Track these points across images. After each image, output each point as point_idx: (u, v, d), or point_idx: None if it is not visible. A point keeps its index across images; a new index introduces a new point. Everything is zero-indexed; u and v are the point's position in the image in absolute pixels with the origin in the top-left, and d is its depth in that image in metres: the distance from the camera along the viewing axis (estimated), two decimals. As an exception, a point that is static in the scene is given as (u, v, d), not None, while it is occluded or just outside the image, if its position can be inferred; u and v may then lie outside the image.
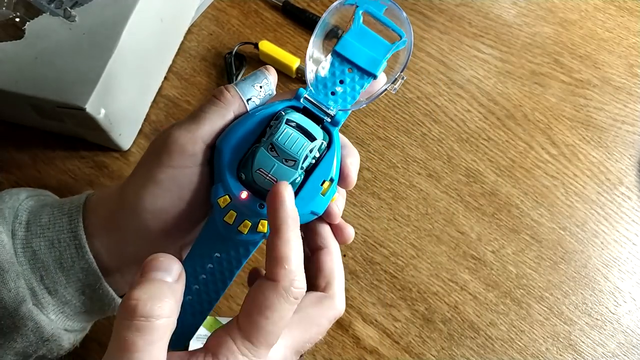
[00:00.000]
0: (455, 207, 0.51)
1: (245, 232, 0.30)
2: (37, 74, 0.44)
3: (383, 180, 0.52)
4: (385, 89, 0.32)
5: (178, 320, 0.25)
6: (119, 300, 0.33)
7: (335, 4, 0.31)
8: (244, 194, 0.29)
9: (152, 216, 0.30)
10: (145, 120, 0.53)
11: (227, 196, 0.29)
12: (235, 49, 0.56)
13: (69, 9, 0.46)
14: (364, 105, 0.32)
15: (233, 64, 0.55)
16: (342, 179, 0.32)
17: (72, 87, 0.43)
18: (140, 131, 0.52)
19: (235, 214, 0.29)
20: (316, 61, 0.31)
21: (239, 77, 0.54)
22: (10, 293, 0.30)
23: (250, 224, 0.30)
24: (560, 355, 0.46)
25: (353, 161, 0.32)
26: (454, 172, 0.52)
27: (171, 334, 0.25)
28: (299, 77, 0.55)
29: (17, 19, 0.47)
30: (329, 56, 0.31)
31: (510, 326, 0.47)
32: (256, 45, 0.55)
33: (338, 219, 0.33)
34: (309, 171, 0.30)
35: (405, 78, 0.31)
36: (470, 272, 0.49)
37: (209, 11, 0.59)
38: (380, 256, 0.49)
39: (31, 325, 0.31)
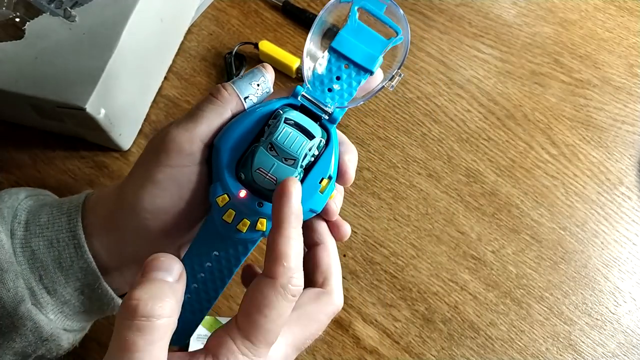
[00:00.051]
0: (455, 207, 0.51)
1: (244, 231, 0.30)
2: (37, 74, 0.44)
3: (383, 180, 0.52)
4: (383, 86, 0.32)
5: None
6: (118, 299, 0.33)
7: (332, 1, 0.31)
8: (243, 193, 0.29)
9: (151, 216, 0.30)
10: (145, 120, 0.53)
11: (225, 195, 0.29)
12: (235, 49, 0.56)
13: (69, 9, 0.46)
14: (362, 103, 0.32)
15: (233, 64, 0.55)
16: (340, 176, 0.32)
17: (72, 87, 0.43)
18: (140, 131, 0.52)
19: (234, 212, 0.29)
20: (313, 58, 0.31)
21: (239, 77, 0.54)
22: (9, 293, 0.30)
23: (249, 222, 0.30)
24: (560, 355, 0.46)
25: (351, 158, 0.32)
26: (454, 172, 0.52)
27: (172, 333, 0.25)
28: (299, 77, 0.55)
29: (17, 19, 0.47)
30: (326, 53, 0.31)
31: (510, 326, 0.47)
32: (256, 45, 0.55)
33: (336, 216, 0.33)
34: (307, 169, 0.30)
35: (402, 75, 0.31)
36: (470, 272, 0.49)
37: (209, 11, 0.59)
38: (380, 256, 0.49)
39: (30, 325, 0.31)
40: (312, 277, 0.33)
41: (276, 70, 0.55)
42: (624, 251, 0.50)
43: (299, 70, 0.54)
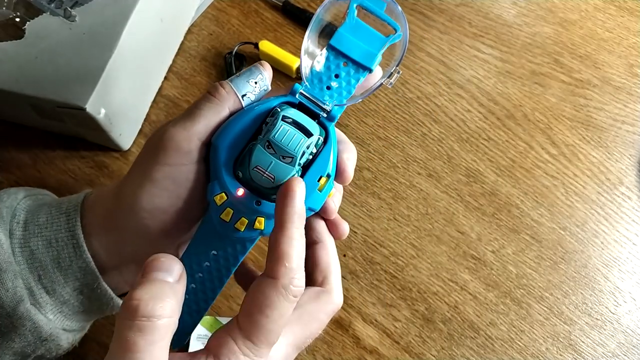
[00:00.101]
0: (455, 207, 0.51)
1: (242, 230, 0.30)
2: (38, 74, 0.44)
3: (383, 180, 0.52)
4: (381, 84, 0.32)
5: None
6: (117, 299, 0.33)
7: None
8: (241, 191, 0.29)
9: (149, 215, 0.30)
10: (145, 120, 0.53)
11: (223, 194, 0.29)
12: (235, 49, 0.56)
13: (69, 9, 0.46)
14: (360, 100, 0.32)
15: (233, 64, 0.55)
16: (338, 175, 0.32)
17: (72, 87, 0.43)
18: (141, 131, 0.52)
19: (232, 211, 0.29)
20: (311, 56, 0.31)
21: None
22: (8, 293, 0.30)
23: (247, 221, 0.30)
24: (560, 355, 0.46)
25: (350, 156, 0.32)
26: (454, 172, 0.52)
27: (173, 334, 0.25)
28: (300, 77, 0.55)
29: (18, 19, 0.47)
30: (324, 50, 0.31)
31: (510, 326, 0.47)
32: (256, 45, 0.55)
33: (334, 215, 0.33)
34: (305, 167, 0.30)
35: (400, 72, 0.31)
36: (470, 272, 0.49)
37: (209, 11, 0.59)
38: (380, 256, 0.49)
39: (29, 325, 0.30)
40: (311, 276, 0.33)
41: (276, 70, 0.55)
42: (624, 251, 0.50)
43: (299, 70, 0.54)
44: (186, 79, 0.55)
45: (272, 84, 0.33)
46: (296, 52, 0.56)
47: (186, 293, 0.31)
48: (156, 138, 0.31)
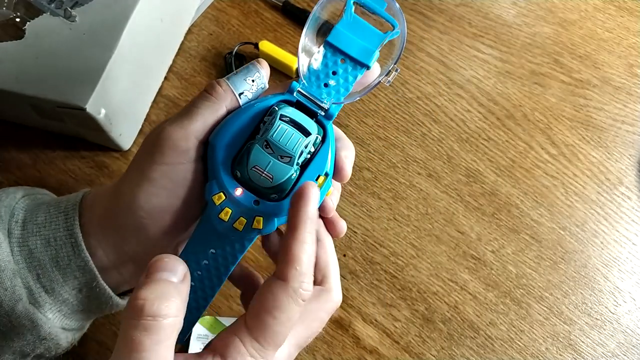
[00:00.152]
0: (455, 207, 0.51)
1: (241, 229, 0.30)
2: (38, 74, 0.44)
3: (383, 180, 0.52)
4: (379, 82, 0.31)
5: None
6: (116, 298, 0.33)
7: None
8: (239, 191, 0.29)
9: (147, 214, 0.30)
10: (145, 120, 0.53)
11: (221, 193, 0.29)
12: (235, 49, 0.56)
13: (69, 9, 0.46)
14: (358, 98, 0.31)
15: (233, 64, 0.55)
16: (337, 173, 0.32)
17: (72, 87, 0.43)
18: (141, 131, 0.52)
19: (231, 211, 0.29)
20: (309, 54, 0.31)
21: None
22: (7, 292, 0.30)
23: (245, 220, 0.30)
24: (560, 355, 0.46)
25: (348, 154, 0.32)
26: (454, 172, 0.53)
27: (178, 333, 0.25)
28: (299, 76, 0.55)
29: (18, 19, 0.47)
30: (321, 48, 0.31)
31: (510, 326, 0.47)
32: (256, 45, 0.55)
33: (332, 213, 0.33)
34: (303, 166, 0.30)
35: (398, 70, 0.31)
36: (470, 272, 0.49)
37: (209, 11, 0.59)
38: (380, 256, 0.49)
39: (28, 324, 0.30)
40: None
41: (276, 71, 0.55)
42: (623, 251, 0.50)
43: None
44: (186, 79, 0.55)
45: (270, 83, 0.33)
46: (296, 52, 0.56)
47: None
48: (153, 137, 0.31)
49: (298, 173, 0.30)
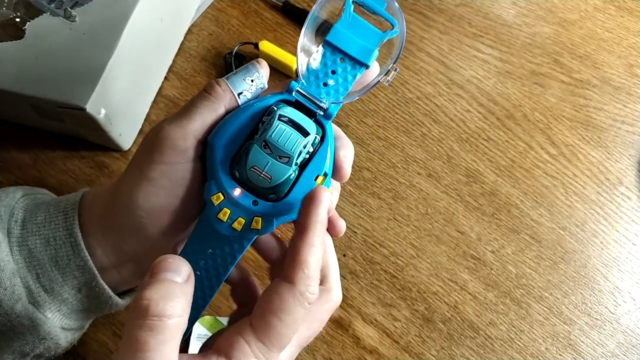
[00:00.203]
0: (455, 207, 0.51)
1: (239, 230, 0.30)
2: (38, 74, 0.44)
3: (383, 180, 0.52)
4: (378, 81, 0.31)
5: None
6: (116, 298, 0.33)
7: None
8: (237, 191, 0.29)
9: (145, 213, 0.30)
10: (145, 120, 0.53)
11: (220, 194, 0.29)
12: (235, 49, 0.56)
13: (69, 9, 0.46)
14: (357, 98, 0.31)
15: (233, 64, 0.55)
16: (336, 172, 0.31)
17: (72, 87, 0.43)
18: (141, 131, 0.52)
19: (229, 211, 0.29)
20: (307, 53, 0.31)
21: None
22: (6, 291, 0.30)
23: (244, 221, 0.29)
24: (560, 355, 0.46)
25: (347, 153, 0.32)
26: (453, 172, 0.53)
27: (182, 334, 0.25)
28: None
29: (18, 19, 0.47)
30: (320, 47, 0.30)
31: (509, 326, 0.47)
32: (256, 45, 0.55)
33: (332, 213, 0.33)
34: (302, 166, 0.30)
35: (397, 70, 0.31)
36: (470, 272, 0.49)
37: (209, 11, 0.59)
38: (380, 256, 0.49)
39: (27, 323, 0.31)
40: None
41: (276, 71, 0.55)
42: (623, 251, 0.50)
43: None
44: (186, 79, 0.55)
45: (270, 83, 0.33)
46: (295, 52, 0.56)
47: None
48: (152, 136, 0.31)
49: (297, 173, 0.30)
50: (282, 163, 0.29)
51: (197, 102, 0.31)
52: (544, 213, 0.51)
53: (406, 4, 0.61)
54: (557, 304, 0.48)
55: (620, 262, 0.50)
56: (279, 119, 0.29)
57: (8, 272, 0.30)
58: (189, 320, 0.32)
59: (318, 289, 0.27)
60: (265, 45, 0.55)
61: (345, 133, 0.35)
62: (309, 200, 0.28)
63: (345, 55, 0.30)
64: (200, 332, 0.44)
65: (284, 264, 0.28)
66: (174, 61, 0.56)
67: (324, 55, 0.30)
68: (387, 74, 0.31)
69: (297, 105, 0.30)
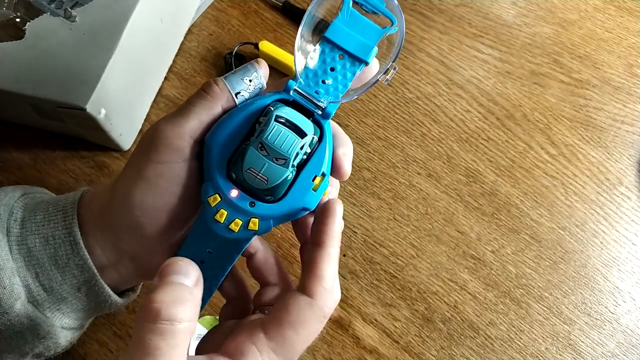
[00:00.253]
0: (455, 207, 0.51)
1: (237, 231, 0.29)
2: (38, 74, 0.44)
3: (383, 180, 0.52)
4: (377, 80, 0.31)
5: None
6: (115, 297, 0.33)
7: None
8: (234, 193, 0.29)
9: (142, 212, 0.30)
10: (145, 120, 0.53)
11: (217, 195, 0.29)
12: (236, 49, 0.56)
13: (70, 9, 0.46)
14: (355, 97, 0.31)
15: (233, 64, 0.55)
16: (335, 171, 0.31)
17: (72, 87, 0.43)
18: (141, 131, 0.52)
19: (226, 212, 0.29)
20: (305, 52, 0.30)
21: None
22: (5, 290, 0.30)
23: (241, 222, 0.29)
24: (560, 354, 0.46)
25: (346, 151, 0.32)
26: (453, 172, 0.53)
27: (191, 337, 0.25)
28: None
29: (18, 19, 0.47)
30: (318, 45, 0.30)
31: (509, 326, 0.47)
32: (256, 46, 0.55)
33: None
34: (300, 166, 0.30)
35: (397, 68, 0.31)
36: (469, 271, 0.49)
37: (209, 11, 0.59)
38: (380, 256, 0.49)
39: (27, 322, 0.30)
40: None
41: (276, 71, 0.55)
42: (623, 251, 0.50)
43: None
44: (186, 79, 0.55)
45: (269, 83, 0.33)
46: (296, 52, 0.56)
47: None
48: (149, 135, 0.31)
49: (294, 174, 0.29)
50: (279, 165, 0.28)
51: (194, 101, 0.31)
52: (544, 213, 0.51)
53: (406, 4, 0.61)
54: (557, 304, 0.48)
55: (620, 262, 0.50)
56: (275, 120, 0.28)
57: (7, 271, 0.30)
58: None
59: (334, 304, 0.28)
60: (265, 46, 0.55)
61: (345, 133, 0.35)
62: (325, 214, 0.28)
63: (345, 52, 0.30)
64: (200, 332, 0.44)
65: (302, 276, 0.28)
66: (174, 61, 0.56)
67: (322, 52, 0.30)
68: (386, 72, 0.31)
69: (295, 105, 0.30)
